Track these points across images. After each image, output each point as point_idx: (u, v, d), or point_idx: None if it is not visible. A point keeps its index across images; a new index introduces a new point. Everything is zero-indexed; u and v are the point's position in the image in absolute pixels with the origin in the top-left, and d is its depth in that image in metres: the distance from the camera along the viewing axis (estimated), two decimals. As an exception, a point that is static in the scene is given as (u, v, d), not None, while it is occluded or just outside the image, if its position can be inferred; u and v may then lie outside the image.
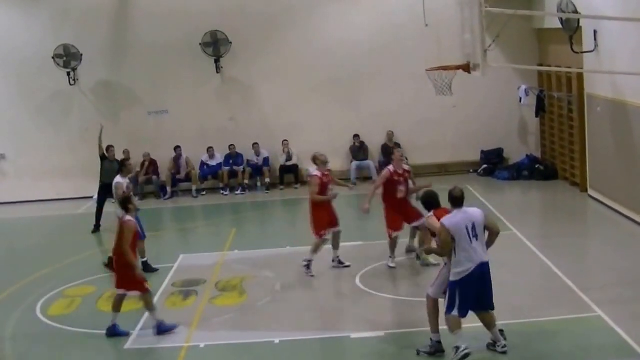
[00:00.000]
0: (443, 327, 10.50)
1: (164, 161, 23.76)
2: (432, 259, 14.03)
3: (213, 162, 23.96)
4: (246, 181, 23.78)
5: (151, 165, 23.67)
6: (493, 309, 10.53)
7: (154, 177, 23.63)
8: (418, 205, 13.24)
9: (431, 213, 10.90)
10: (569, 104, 20.95)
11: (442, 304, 10.50)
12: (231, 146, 23.85)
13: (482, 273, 10.26)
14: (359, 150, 23.84)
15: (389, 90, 23.63)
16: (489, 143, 23.83)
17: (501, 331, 10.75)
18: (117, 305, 12.41)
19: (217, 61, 23.56)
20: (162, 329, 12.22)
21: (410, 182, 14.69)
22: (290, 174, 24.06)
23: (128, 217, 12.35)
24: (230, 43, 23.45)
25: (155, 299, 13.42)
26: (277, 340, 11.77)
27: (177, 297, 14.02)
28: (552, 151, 22.82)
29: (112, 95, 24.15)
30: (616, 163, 17.74)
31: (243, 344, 11.90)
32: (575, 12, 17.50)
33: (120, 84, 24.11)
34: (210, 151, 23.86)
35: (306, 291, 14.13)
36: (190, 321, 12.71)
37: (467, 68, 13.57)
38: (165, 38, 23.47)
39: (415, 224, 14.51)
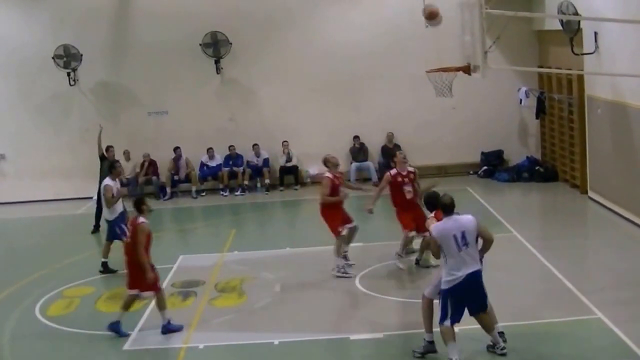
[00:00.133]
0: (437, 328, 10.48)
1: (163, 162, 23.74)
2: (433, 260, 14.00)
3: (213, 163, 23.94)
4: (246, 182, 23.76)
5: (151, 166, 23.65)
6: (486, 309, 10.45)
7: (154, 178, 23.61)
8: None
9: (432, 214, 10.88)
10: (569, 106, 20.94)
11: (437, 304, 10.48)
12: (231, 147, 23.84)
13: (472, 282, 10.13)
14: (358, 151, 23.83)
15: (389, 91, 23.63)
16: (489, 144, 23.82)
17: (501, 333, 10.74)
18: (127, 305, 12.44)
19: (217, 62, 23.55)
20: (169, 329, 12.24)
21: (417, 184, 14.64)
22: (290, 175, 24.04)
23: (142, 219, 12.28)
24: (231, 44, 23.45)
25: (154, 301, 13.41)
26: (276, 342, 11.76)
27: (176, 297, 14.00)
28: (552, 153, 22.81)
29: (112, 95, 24.14)
30: (616, 165, 17.73)
31: (242, 345, 11.89)
32: (576, 13, 17.51)
33: (120, 85, 24.10)
34: (210, 152, 23.85)
35: (306, 292, 14.10)
36: (190, 322, 12.69)
37: (467, 70, 13.56)
38: (165, 39, 23.46)
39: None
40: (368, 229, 16.51)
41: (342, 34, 23.59)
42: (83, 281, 15.46)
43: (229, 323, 12.80)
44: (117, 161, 17.08)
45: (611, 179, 18.12)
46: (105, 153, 19.41)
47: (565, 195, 20.81)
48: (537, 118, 23.29)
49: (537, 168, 22.78)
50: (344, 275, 14.50)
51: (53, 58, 23.29)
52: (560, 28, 18.61)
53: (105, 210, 16.11)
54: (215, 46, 23.43)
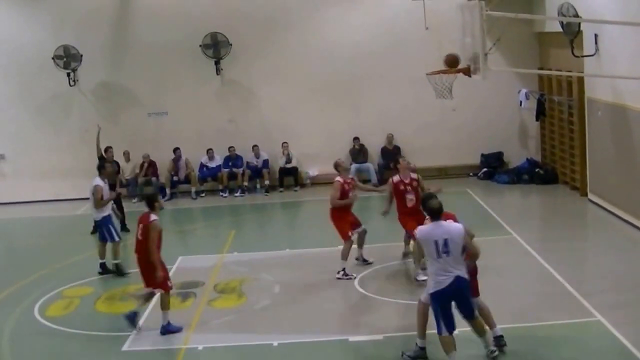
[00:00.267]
0: (430, 331, 10.47)
1: (163, 162, 23.73)
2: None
3: (212, 164, 23.94)
4: (245, 183, 23.75)
5: (150, 167, 23.64)
6: (473, 319, 10.30)
7: (153, 179, 23.59)
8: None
9: (428, 217, 10.82)
10: (569, 108, 20.94)
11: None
12: (231, 148, 23.84)
13: (458, 287, 9.94)
14: (358, 152, 23.82)
15: (389, 93, 23.63)
16: (489, 146, 23.82)
17: (501, 336, 10.72)
18: (145, 300, 12.56)
19: (217, 63, 23.55)
20: (168, 330, 12.24)
21: (420, 190, 14.53)
22: (290, 177, 24.02)
23: (153, 216, 12.30)
24: (231, 45, 23.44)
25: (154, 300, 13.41)
26: (275, 343, 11.75)
27: (175, 298, 13.94)
28: (552, 155, 22.81)
29: (111, 96, 24.14)
30: (616, 167, 17.72)
31: (241, 346, 11.88)
32: (576, 16, 17.50)
33: (120, 85, 24.10)
34: (209, 153, 23.84)
35: (305, 294, 14.08)
36: (189, 323, 12.68)
37: (467, 71, 13.55)
38: (165, 39, 23.46)
39: None
40: (367, 230, 16.48)
41: (342, 35, 23.60)
42: (82, 281, 15.44)
43: (229, 324, 12.78)
44: (107, 161, 16.89)
45: (611, 182, 18.11)
46: (104, 153, 19.41)
47: (565, 197, 20.80)
48: (537, 120, 23.29)
49: (537, 170, 22.78)
50: (346, 277, 14.50)
51: (53, 58, 23.30)
52: (561, 30, 18.61)
53: (92, 210, 16.03)
54: (216, 47, 23.43)
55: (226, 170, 23.80)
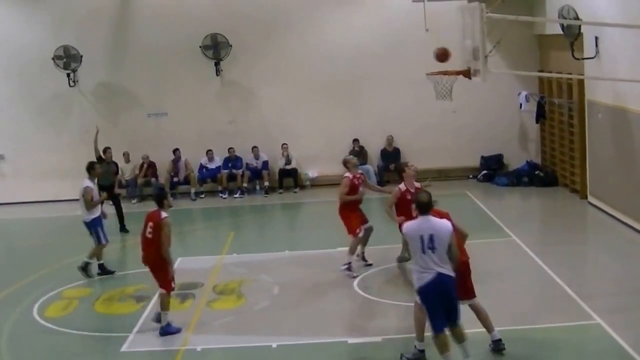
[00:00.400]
0: (428, 333, 10.45)
1: (162, 163, 23.73)
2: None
3: (212, 165, 23.93)
4: (245, 184, 23.74)
5: (150, 168, 23.64)
6: (456, 324, 10.06)
7: (153, 180, 23.58)
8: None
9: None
10: (570, 111, 20.93)
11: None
12: (230, 149, 23.83)
13: (441, 283, 9.79)
14: (358, 154, 23.71)
15: (389, 94, 23.62)
16: (488, 149, 23.81)
17: (499, 340, 10.69)
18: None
19: (217, 64, 23.54)
20: (167, 331, 12.22)
21: None
22: (290, 178, 24.01)
23: (165, 214, 12.36)
24: (231, 46, 23.43)
25: (153, 302, 13.42)
26: (274, 345, 11.74)
27: (174, 299, 13.89)
28: (552, 157, 22.80)
29: (111, 97, 24.14)
30: (616, 170, 17.71)
31: (240, 347, 11.88)
32: (577, 18, 17.49)
33: (120, 86, 24.09)
34: (209, 154, 23.83)
35: (304, 295, 14.07)
36: (188, 324, 12.66)
37: (467, 73, 13.53)
38: (166, 40, 23.46)
39: None
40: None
41: (342, 36, 23.59)
42: (81, 282, 15.43)
43: (227, 325, 12.77)
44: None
45: (611, 184, 18.10)
46: (102, 155, 19.37)
47: (564, 200, 20.79)
48: (537, 122, 23.29)
49: (536, 172, 22.77)
50: (349, 274, 14.57)
51: (53, 59, 23.28)
52: (561, 32, 18.60)
53: (82, 212, 15.85)
54: (215, 48, 23.42)
55: (226, 171, 23.78)
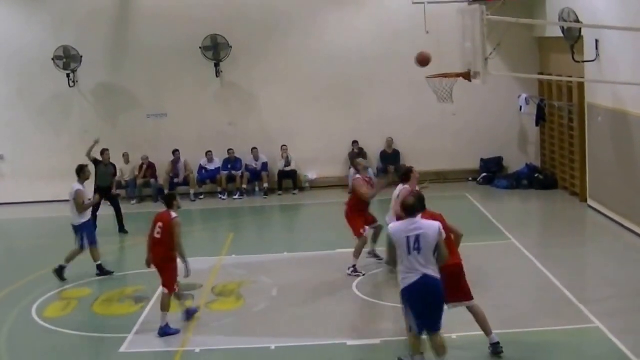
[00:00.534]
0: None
1: (162, 164, 23.71)
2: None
3: (211, 166, 23.91)
4: (244, 186, 23.73)
5: (149, 169, 23.63)
6: (439, 329, 9.98)
7: (152, 181, 23.57)
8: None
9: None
10: (570, 113, 20.93)
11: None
12: (230, 150, 23.82)
13: (426, 285, 9.75)
14: (357, 156, 23.70)
15: (388, 96, 23.62)
16: (488, 151, 23.80)
17: (497, 343, 10.67)
18: (181, 298, 12.68)
19: (216, 65, 23.53)
20: (166, 332, 12.21)
21: None
22: (289, 180, 23.99)
23: (174, 214, 12.37)
24: (230, 47, 23.42)
25: (152, 303, 13.41)
26: (273, 346, 11.73)
27: (173, 300, 13.92)
28: (552, 160, 22.79)
29: (111, 97, 24.13)
30: (616, 173, 17.70)
31: (239, 349, 11.87)
32: (577, 21, 17.49)
33: (119, 87, 24.08)
34: (208, 155, 23.82)
35: (303, 297, 14.05)
36: (187, 325, 12.65)
37: (467, 76, 13.52)
38: (166, 41, 23.45)
39: None
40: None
41: (342, 39, 23.59)
42: (80, 283, 15.41)
43: (226, 327, 12.75)
44: (86, 165, 16.58)
45: (611, 187, 18.09)
46: (97, 158, 19.27)
47: (564, 203, 20.78)
48: (537, 125, 23.28)
49: (536, 175, 22.76)
50: (356, 275, 14.64)
51: (53, 59, 23.27)
52: (561, 35, 18.59)
53: (73, 215, 15.55)
54: (215, 49, 23.41)
55: (225, 172, 23.77)
